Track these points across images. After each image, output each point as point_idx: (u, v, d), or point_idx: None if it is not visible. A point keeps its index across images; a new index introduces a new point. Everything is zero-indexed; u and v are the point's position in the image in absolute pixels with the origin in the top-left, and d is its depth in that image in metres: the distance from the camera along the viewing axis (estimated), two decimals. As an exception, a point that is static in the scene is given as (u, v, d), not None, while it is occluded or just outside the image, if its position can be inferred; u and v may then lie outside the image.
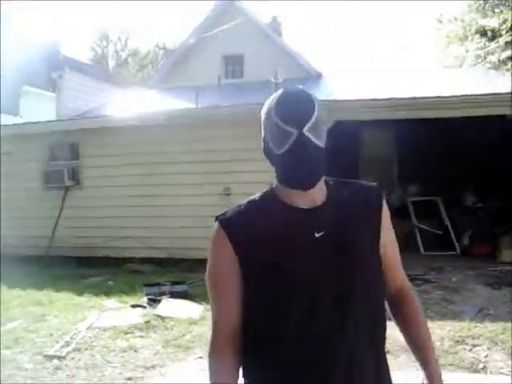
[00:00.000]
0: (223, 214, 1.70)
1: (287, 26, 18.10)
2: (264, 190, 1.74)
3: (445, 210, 11.32)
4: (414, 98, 9.80)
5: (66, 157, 12.20)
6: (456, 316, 5.80)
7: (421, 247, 10.81)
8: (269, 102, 1.63)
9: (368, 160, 14.04)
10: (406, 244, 10.55)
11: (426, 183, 11.79)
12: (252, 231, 1.62)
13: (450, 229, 10.91)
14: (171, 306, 7.27)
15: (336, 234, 1.62)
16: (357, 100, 10.34)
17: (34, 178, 12.10)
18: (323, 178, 1.67)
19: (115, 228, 11.14)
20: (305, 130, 1.53)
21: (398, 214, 11.78)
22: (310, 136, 1.54)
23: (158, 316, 6.98)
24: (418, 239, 10.95)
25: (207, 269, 1.70)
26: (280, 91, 1.62)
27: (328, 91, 14.21)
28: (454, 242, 10.69)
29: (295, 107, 1.55)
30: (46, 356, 5.79)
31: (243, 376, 1.71)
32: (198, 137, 10.57)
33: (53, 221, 11.63)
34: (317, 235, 1.60)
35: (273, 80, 11.54)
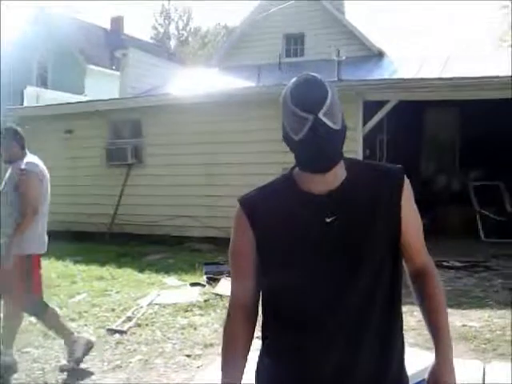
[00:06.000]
0: (246, 194, 1.81)
1: (350, 2, 17.61)
2: (285, 172, 1.83)
3: (509, 195, 10.94)
4: (481, 78, 9.45)
5: (129, 135, 12.41)
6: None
7: (481, 234, 10.45)
8: (284, 90, 1.68)
9: (430, 141, 13.75)
10: (466, 230, 10.28)
11: (490, 168, 11.33)
12: (268, 214, 1.72)
13: (514, 215, 10.53)
14: (230, 285, 7.31)
15: (348, 218, 1.67)
16: (420, 79, 10.04)
17: (96, 156, 12.37)
18: (342, 161, 1.70)
19: (176, 206, 11.28)
20: (320, 114, 1.57)
21: (459, 198, 11.47)
22: (326, 120, 1.58)
23: (217, 295, 7.07)
24: (479, 225, 10.57)
25: (229, 246, 1.82)
26: (293, 80, 1.67)
27: (391, 70, 13.92)
28: (518, 229, 10.30)
29: (309, 94, 1.60)
30: (108, 330, 5.95)
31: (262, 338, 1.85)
32: (258, 115, 10.55)
33: (115, 198, 11.88)
34: (328, 220, 1.66)
35: (335, 58, 11.34)
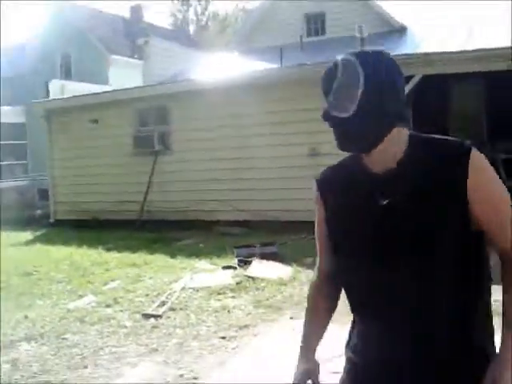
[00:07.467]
0: (322, 172, 1.83)
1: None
2: None
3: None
4: (505, 48, 9.25)
5: (155, 122, 12.42)
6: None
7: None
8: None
9: (456, 115, 13.56)
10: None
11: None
12: (335, 193, 1.75)
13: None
14: (261, 267, 7.36)
15: (405, 200, 1.56)
16: (444, 53, 9.85)
17: (123, 144, 12.50)
18: (397, 136, 1.58)
19: (205, 191, 11.31)
20: (330, 108, 1.57)
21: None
22: (333, 111, 1.56)
23: (249, 277, 7.09)
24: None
25: None
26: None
27: (413, 45, 13.74)
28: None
29: (322, 81, 1.60)
30: (143, 315, 6.04)
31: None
32: (282, 97, 10.51)
33: (144, 185, 11.98)
34: (384, 202, 1.58)
35: (357, 35, 11.23)
